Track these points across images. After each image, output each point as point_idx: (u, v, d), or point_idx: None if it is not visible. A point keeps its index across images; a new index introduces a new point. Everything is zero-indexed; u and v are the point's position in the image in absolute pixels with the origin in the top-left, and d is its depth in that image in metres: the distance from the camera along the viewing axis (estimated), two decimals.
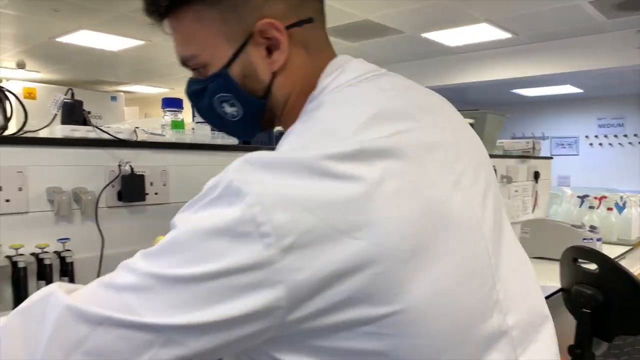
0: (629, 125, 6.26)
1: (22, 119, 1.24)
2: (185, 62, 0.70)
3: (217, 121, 0.74)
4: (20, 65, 6.22)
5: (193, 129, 1.51)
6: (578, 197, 3.35)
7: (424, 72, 5.75)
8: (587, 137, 6.55)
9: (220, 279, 0.48)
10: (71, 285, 0.57)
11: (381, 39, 4.63)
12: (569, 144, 6.71)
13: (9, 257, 1.03)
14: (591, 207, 3.26)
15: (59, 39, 4.75)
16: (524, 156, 2.88)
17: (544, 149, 6.92)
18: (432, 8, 3.88)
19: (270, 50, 0.65)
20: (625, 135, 6.28)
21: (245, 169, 0.52)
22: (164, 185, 1.35)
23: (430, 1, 3.71)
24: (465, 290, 0.56)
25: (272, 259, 0.48)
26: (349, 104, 0.62)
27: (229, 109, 0.70)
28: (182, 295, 0.49)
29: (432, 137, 0.62)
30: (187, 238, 0.50)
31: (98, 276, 1.06)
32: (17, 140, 1.12)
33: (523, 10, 3.79)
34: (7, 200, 1.08)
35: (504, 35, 4.38)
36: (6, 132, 1.16)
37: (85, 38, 4.67)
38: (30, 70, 6.50)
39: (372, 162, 0.53)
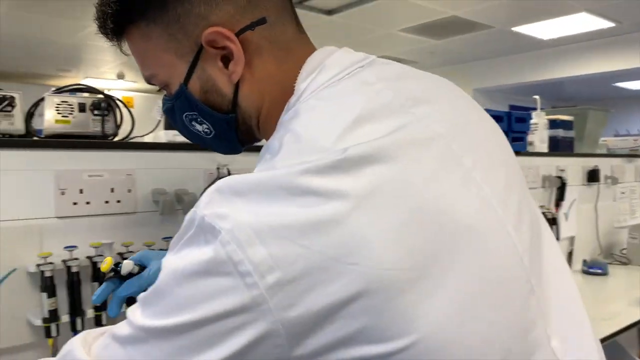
0: None
1: (128, 126, 1.33)
2: (149, 81, 0.68)
3: (195, 139, 0.70)
4: (120, 77, 6.72)
5: None
6: None
7: (515, 68, 5.49)
8: None
9: (206, 326, 0.45)
10: (97, 331, 0.58)
11: (469, 34, 4.48)
12: None
13: (120, 254, 1.10)
14: None
15: None
16: (632, 155, 2.65)
17: None
18: (524, 0, 3.69)
19: (227, 61, 0.60)
20: None
21: (215, 201, 0.47)
22: None
23: None
24: (493, 302, 0.47)
25: (258, 299, 0.43)
26: (328, 108, 0.54)
27: (199, 127, 0.66)
28: (174, 344, 0.46)
29: (429, 131, 0.53)
30: (169, 284, 0.47)
31: None
32: (127, 145, 1.21)
33: None
34: (118, 201, 1.15)
35: (605, 24, 4.07)
36: (115, 138, 1.25)
37: None
38: (128, 81, 7.00)
39: (357, 171, 0.46)
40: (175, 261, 0.48)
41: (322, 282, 0.43)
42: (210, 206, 0.47)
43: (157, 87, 0.70)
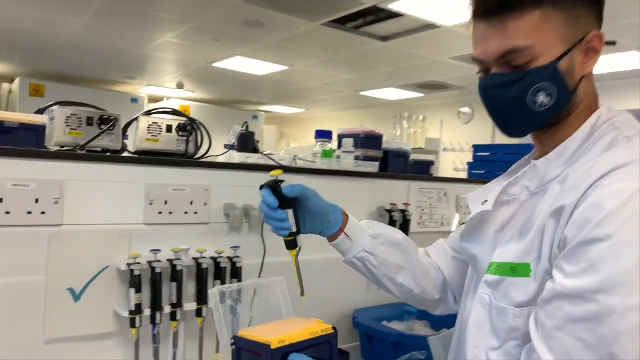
0: None
1: (205, 144, 1.50)
2: (508, 54, 0.77)
3: (516, 110, 0.79)
4: (180, 86, 7.05)
5: (339, 157, 1.69)
6: None
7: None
8: None
9: None
10: None
11: None
12: None
13: (195, 259, 1.27)
14: None
15: (215, 64, 5.35)
16: None
17: None
18: None
19: (586, 55, 0.78)
20: None
21: None
22: None
23: None
24: None
25: None
26: None
27: (542, 98, 0.77)
28: None
29: None
30: None
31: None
32: (206, 164, 1.38)
33: None
34: (196, 213, 1.32)
35: None
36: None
37: (238, 63, 5.20)
38: (187, 90, 7.33)
39: None
40: None
41: None
42: None
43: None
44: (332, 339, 0.88)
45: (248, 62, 5.09)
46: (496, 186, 0.88)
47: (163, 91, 7.29)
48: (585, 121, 0.80)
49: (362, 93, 6.46)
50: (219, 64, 5.31)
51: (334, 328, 0.88)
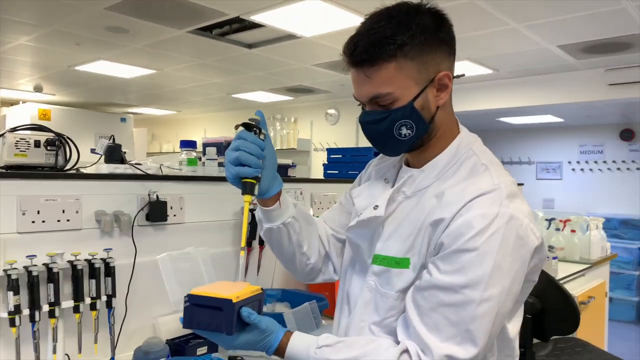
0: (607, 152, 6.64)
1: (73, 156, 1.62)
2: (374, 98, 0.94)
3: (386, 140, 0.97)
4: (37, 89, 6.63)
5: (204, 163, 1.89)
6: (546, 219, 3.71)
7: None
8: (569, 162, 6.92)
9: None
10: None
11: None
12: (553, 169, 7.07)
13: (70, 262, 1.40)
14: (557, 229, 3.62)
15: (77, 68, 5.17)
16: None
17: (530, 174, 7.31)
18: None
19: (438, 90, 0.95)
20: (605, 162, 6.65)
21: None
22: (181, 209, 1.72)
23: None
24: None
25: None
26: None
27: (404, 131, 0.94)
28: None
29: None
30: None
31: (131, 278, 1.45)
32: (76, 175, 1.50)
33: (499, 51, 4.19)
34: (68, 220, 1.45)
35: (485, 71, 4.78)
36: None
37: (103, 67, 5.08)
38: (47, 93, 6.92)
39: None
40: None
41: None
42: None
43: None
44: (262, 297, 0.98)
45: (113, 65, 5.00)
46: (378, 190, 1.08)
47: (19, 94, 6.80)
48: (447, 141, 1.01)
49: (234, 95, 6.62)
50: (81, 67, 5.15)
51: (262, 288, 0.98)
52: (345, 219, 1.19)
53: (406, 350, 0.89)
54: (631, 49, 3.97)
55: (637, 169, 6.40)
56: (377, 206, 1.01)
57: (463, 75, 1.03)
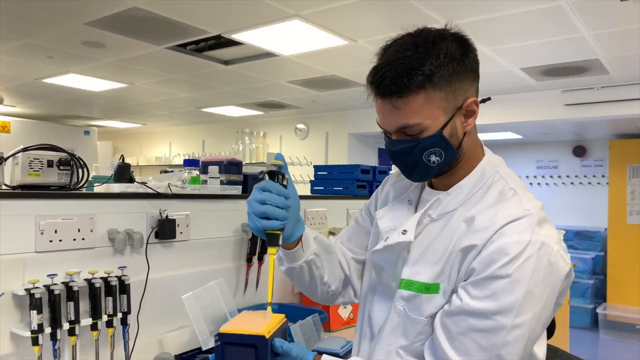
0: (562, 167, 7.03)
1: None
2: (403, 128, 0.93)
3: (415, 167, 0.97)
4: None
5: (206, 181, 1.94)
6: None
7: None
8: (527, 177, 7.26)
9: None
10: None
11: (345, 89, 5.18)
12: None
13: (87, 280, 1.42)
14: None
15: (45, 80, 5.06)
16: None
17: None
18: None
19: (465, 117, 0.96)
20: (559, 176, 7.04)
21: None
22: (187, 226, 1.77)
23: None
24: None
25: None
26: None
27: (434, 158, 0.95)
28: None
29: None
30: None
31: (143, 294, 1.48)
32: (89, 195, 1.53)
33: None
34: (83, 239, 1.47)
35: None
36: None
37: (72, 80, 4.99)
38: (6, 105, 6.70)
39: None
40: None
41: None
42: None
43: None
44: (287, 324, 0.99)
45: (83, 79, 4.92)
46: (402, 212, 1.07)
47: None
48: (473, 164, 1.01)
49: (204, 109, 6.62)
50: (49, 80, 5.04)
51: (285, 316, 0.99)
52: (363, 239, 1.20)
53: None
54: (587, 72, 4.27)
55: (589, 183, 6.81)
56: (405, 231, 0.99)
57: (489, 99, 1.09)
